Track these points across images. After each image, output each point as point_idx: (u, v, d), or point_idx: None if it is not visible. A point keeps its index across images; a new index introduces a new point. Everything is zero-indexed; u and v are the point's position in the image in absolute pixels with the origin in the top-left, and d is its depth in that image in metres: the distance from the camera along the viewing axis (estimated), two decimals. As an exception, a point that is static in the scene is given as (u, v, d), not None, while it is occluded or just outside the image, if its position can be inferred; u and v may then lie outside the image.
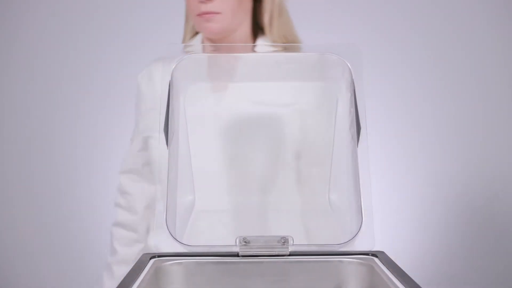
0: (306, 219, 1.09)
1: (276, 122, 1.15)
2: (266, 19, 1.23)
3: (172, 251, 0.85)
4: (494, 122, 2.25)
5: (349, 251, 0.85)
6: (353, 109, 0.88)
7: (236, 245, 0.84)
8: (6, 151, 2.30)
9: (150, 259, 0.84)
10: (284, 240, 0.85)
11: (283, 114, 1.14)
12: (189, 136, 1.00)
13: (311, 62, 1.00)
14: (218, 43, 1.21)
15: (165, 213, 0.83)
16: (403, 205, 2.25)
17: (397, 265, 0.80)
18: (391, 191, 2.22)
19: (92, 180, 2.25)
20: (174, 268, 0.84)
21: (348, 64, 0.91)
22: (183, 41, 1.32)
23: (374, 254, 0.85)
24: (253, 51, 1.13)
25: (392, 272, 0.77)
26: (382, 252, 0.86)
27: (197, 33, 1.28)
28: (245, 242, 0.84)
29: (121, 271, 1.29)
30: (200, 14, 1.17)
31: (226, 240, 0.85)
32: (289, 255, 0.84)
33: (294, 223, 1.09)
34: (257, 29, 1.26)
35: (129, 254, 1.31)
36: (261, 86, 1.09)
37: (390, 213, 2.20)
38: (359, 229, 0.84)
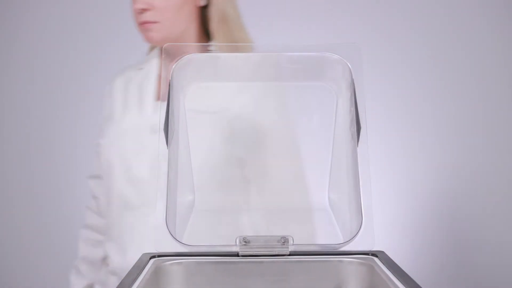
0: (306, 218, 1.09)
1: (276, 122, 1.16)
2: (211, 26, 1.25)
3: (172, 251, 0.85)
4: (494, 122, 2.25)
5: (349, 251, 0.85)
6: (353, 109, 0.88)
7: (236, 245, 0.84)
8: (6, 151, 2.30)
9: (150, 259, 0.84)
10: (284, 240, 0.85)
11: (283, 114, 1.14)
12: (189, 135, 1.00)
13: (311, 62, 1.00)
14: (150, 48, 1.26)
15: (165, 213, 0.83)
16: (403, 205, 2.25)
17: (397, 265, 0.80)
18: (391, 191, 2.22)
19: (92, 180, 2.24)
20: (174, 268, 0.84)
21: (348, 64, 0.91)
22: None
23: (374, 254, 0.85)
24: (254, 51, 1.13)
25: (392, 272, 0.77)
26: (382, 252, 0.86)
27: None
28: (245, 242, 0.84)
29: (86, 270, 1.31)
30: (140, 24, 1.21)
31: (226, 240, 0.85)
32: (289, 255, 0.84)
33: (294, 223, 1.09)
34: (208, 35, 1.27)
35: (93, 254, 1.33)
36: (261, 86, 1.09)
37: (390, 212, 2.20)
38: (359, 229, 0.84)
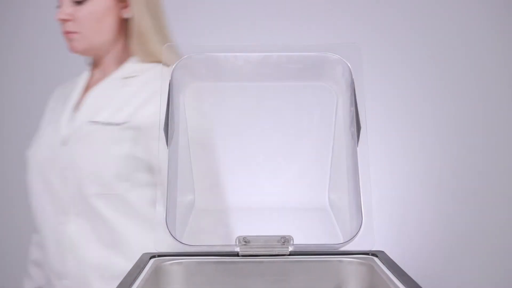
0: (306, 218, 1.09)
1: (276, 122, 1.16)
2: (128, 39, 1.26)
3: (172, 251, 0.85)
4: (494, 122, 2.25)
5: (349, 251, 0.85)
6: (353, 109, 0.88)
7: (236, 244, 0.84)
8: (6, 151, 2.30)
9: (150, 258, 0.84)
10: (284, 240, 0.85)
11: (283, 113, 1.14)
12: (189, 135, 1.00)
13: (311, 62, 1.00)
14: (91, 59, 1.29)
15: (165, 213, 0.83)
16: (403, 205, 2.25)
17: (397, 264, 0.80)
18: (391, 191, 2.22)
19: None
20: (174, 268, 0.84)
21: (348, 64, 0.91)
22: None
23: (374, 253, 0.85)
24: (254, 51, 1.13)
25: (392, 272, 0.77)
26: (382, 252, 0.86)
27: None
28: (245, 241, 0.84)
29: (35, 274, 1.34)
30: (63, 33, 1.24)
31: (226, 239, 0.86)
32: (289, 254, 0.84)
33: (294, 223, 1.09)
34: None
35: (42, 257, 1.32)
36: (261, 86, 1.10)
37: (390, 212, 2.20)
38: (359, 229, 0.84)
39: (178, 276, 0.84)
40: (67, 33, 1.23)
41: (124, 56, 1.27)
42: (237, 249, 0.84)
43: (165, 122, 0.87)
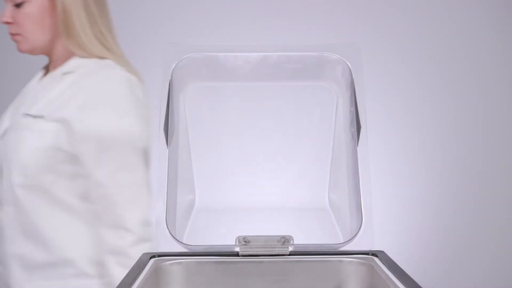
0: (306, 218, 1.09)
1: (276, 122, 1.16)
2: (62, 33, 1.28)
3: (172, 251, 0.85)
4: (494, 122, 2.25)
5: (349, 251, 0.85)
6: (353, 108, 0.88)
7: (236, 244, 0.84)
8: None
9: (150, 258, 0.84)
10: (284, 240, 0.85)
11: (283, 113, 1.14)
12: (189, 135, 1.00)
13: (311, 62, 1.00)
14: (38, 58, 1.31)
15: (165, 212, 0.83)
16: (403, 205, 2.25)
17: (397, 264, 0.80)
18: (391, 191, 2.22)
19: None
20: (174, 268, 0.84)
21: (348, 64, 0.91)
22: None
23: (374, 253, 0.85)
24: (254, 51, 1.13)
25: (392, 272, 0.77)
26: (382, 252, 0.86)
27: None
28: (245, 241, 0.84)
29: None
30: (10, 35, 1.28)
31: (226, 239, 0.85)
32: (289, 254, 0.84)
33: (294, 223, 1.09)
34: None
35: None
36: (261, 86, 1.10)
37: (390, 212, 2.20)
38: (359, 229, 0.84)
39: (178, 276, 0.84)
40: (11, 35, 1.28)
41: (71, 53, 1.29)
42: (237, 249, 0.84)
43: (165, 122, 0.87)
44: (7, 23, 1.26)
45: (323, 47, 0.93)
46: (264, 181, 1.14)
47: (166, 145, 0.87)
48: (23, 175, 1.18)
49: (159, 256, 0.84)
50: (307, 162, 1.15)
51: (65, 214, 1.19)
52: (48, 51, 1.30)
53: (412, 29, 2.27)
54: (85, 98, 1.18)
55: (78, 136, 1.16)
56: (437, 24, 2.27)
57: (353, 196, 0.87)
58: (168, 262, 0.83)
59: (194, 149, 1.01)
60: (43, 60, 1.39)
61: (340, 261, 0.85)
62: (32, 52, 1.30)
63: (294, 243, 0.85)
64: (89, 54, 1.25)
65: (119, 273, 1.10)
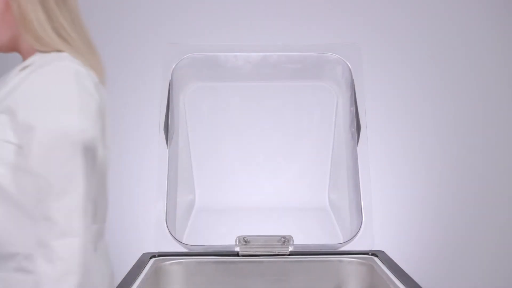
0: (306, 218, 1.09)
1: (276, 122, 1.16)
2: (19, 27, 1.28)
3: (172, 251, 0.85)
4: (494, 122, 2.25)
5: (349, 251, 0.86)
6: (353, 108, 0.88)
7: (236, 244, 0.84)
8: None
9: (150, 258, 0.84)
10: (284, 240, 0.85)
11: (283, 113, 1.14)
12: (189, 135, 1.00)
13: (311, 62, 1.00)
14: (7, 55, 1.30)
15: (165, 212, 0.83)
16: (403, 205, 2.25)
17: (397, 264, 0.80)
18: (391, 191, 2.22)
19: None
20: (174, 268, 0.84)
21: (348, 64, 0.91)
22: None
23: (374, 253, 0.85)
24: (254, 51, 1.13)
25: (392, 272, 0.77)
26: (382, 252, 0.86)
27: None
28: (245, 241, 0.84)
29: None
30: None
31: (226, 239, 0.86)
32: (289, 254, 0.84)
33: (294, 223, 1.09)
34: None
35: None
36: (261, 86, 1.10)
37: (390, 212, 2.20)
38: (359, 229, 0.84)
39: (178, 276, 0.84)
40: None
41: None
42: (237, 249, 0.84)
43: (165, 122, 0.87)
44: None
45: (323, 47, 0.93)
46: (264, 181, 1.14)
47: (166, 145, 0.87)
48: None
49: (159, 256, 0.84)
50: (307, 162, 1.15)
51: (14, 208, 1.19)
52: (15, 48, 1.31)
53: (412, 29, 2.26)
54: (30, 90, 1.19)
55: (21, 128, 1.17)
56: (437, 24, 2.27)
57: (353, 196, 0.87)
58: (168, 262, 0.83)
59: (194, 149, 1.01)
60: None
61: (340, 261, 0.85)
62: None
63: (294, 243, 0.85)
64: (48, 48, 1.26)
65: (45, 269, 1.07)
